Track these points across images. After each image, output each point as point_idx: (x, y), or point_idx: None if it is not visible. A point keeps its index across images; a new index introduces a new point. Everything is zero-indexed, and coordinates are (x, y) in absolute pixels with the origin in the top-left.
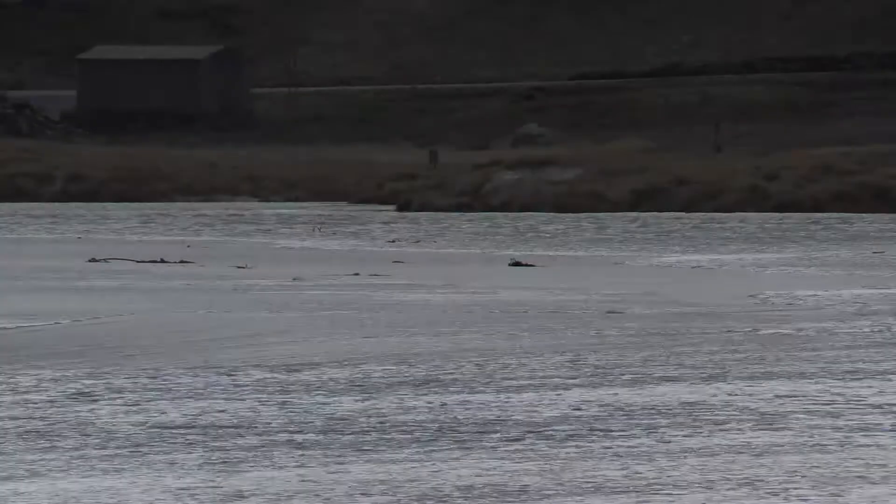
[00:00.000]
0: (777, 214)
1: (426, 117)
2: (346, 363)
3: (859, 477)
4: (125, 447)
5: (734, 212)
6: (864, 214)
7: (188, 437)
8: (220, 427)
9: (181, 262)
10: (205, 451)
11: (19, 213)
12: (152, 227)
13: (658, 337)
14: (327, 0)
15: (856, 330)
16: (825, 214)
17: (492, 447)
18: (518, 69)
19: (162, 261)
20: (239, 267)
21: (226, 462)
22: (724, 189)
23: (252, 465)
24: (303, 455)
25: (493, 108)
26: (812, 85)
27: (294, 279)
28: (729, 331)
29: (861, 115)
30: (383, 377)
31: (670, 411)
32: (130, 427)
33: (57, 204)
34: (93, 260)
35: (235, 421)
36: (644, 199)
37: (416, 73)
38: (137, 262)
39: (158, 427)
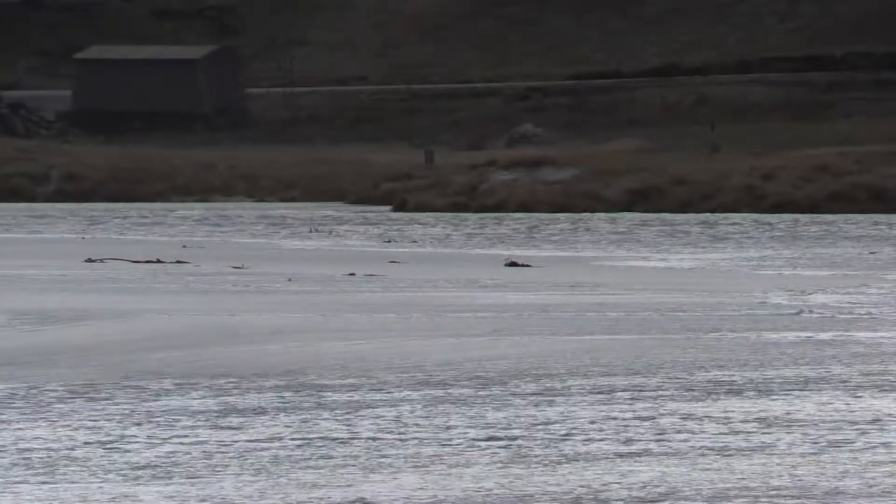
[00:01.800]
0: (773, 215)
1: (422, 117)
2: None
3: None
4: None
5: (731, 212)
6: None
7: None
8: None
9: (177, 262)
10: None
11: (13, 212)
12: (148, 227)
13: None
14: (324, 0)
15: None
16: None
17: None
18: (514, 69)
19: (158, 261)
20: (235, 267)
21: None
22: (721, 189)
23: None
24: None
25: (490, 109)
26: (809, 85)
27: (289, 279)
28: None
29: (858, 115)
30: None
31: None
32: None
33: (52, 204)
34: (89, 260)
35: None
36: (640, 200)
37: (412, 74)
38: (134, 262)
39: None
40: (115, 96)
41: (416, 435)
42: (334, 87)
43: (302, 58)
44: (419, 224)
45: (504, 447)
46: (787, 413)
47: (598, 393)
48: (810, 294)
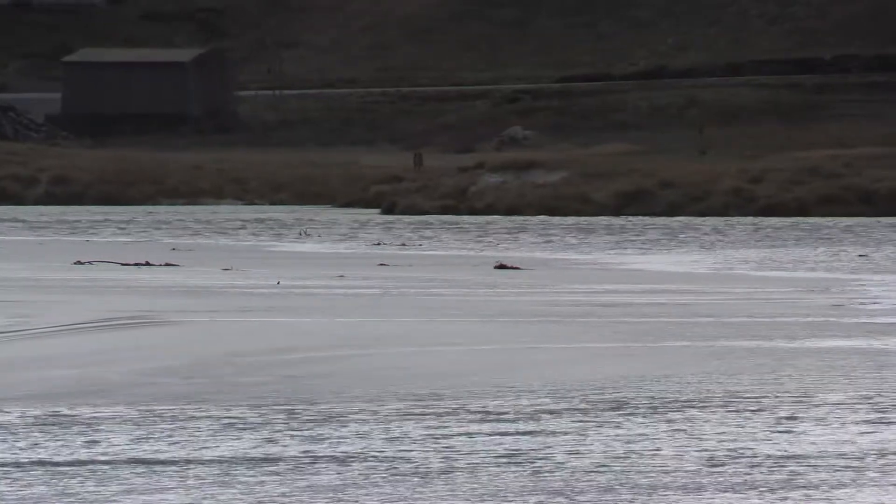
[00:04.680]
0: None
1: (411, 120)
2: None
3: None
4: None
5: (719, 215)
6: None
7: None
8: None
9: (166, 264)
10: None
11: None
12: (137, 230)
13: None
14: (313, 3)
15: None
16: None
17: None
18: (503, 72)
19: (147, 263)
20: (224, 269)
21: None
22: (710, 192)
23: None
24: None
25: (479, 111)
26: (799, 87)
27: (278, 282)
28: None
29: (848, 117)
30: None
31: None
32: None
33: (41, 207)
34: (78, 263)
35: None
36: (629, 202)
37: (401, 76)
38: (122, 264)
39: None
40: (104, 99)
41: None
42: (323, 90)
43: (291, 60)
44: (408, 227)
45: None
46: None
47: None
48: None
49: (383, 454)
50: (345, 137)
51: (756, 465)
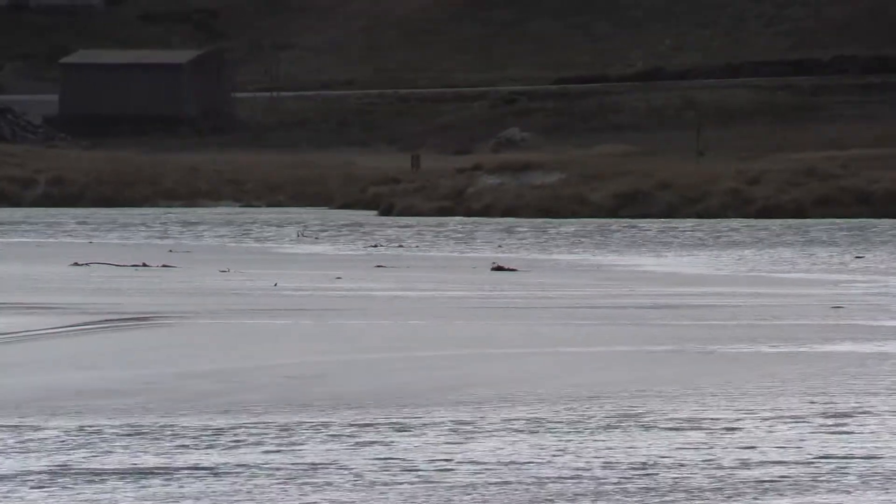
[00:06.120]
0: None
1: (409, 121)
2: None
3: None
4: None
5: (716, 217)
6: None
7: None
8: None
9: (164, 266)
10: None
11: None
12: (134, 231)
13: None
14: (310, 4)
15: None
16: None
17: None
18: (501, 73)
19: (144, 265)
20: (222, 271)
21: None
22: (707, 193)
23: None
24: None
25: (476, 113)
26: (795, 89)
27: (275, 283)
28: None
29: (844, 118)
30: None
31: None
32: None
33: (39, 209)
34: (75, 264)
35: None
36: (626, 204)
37: (398, 78)
38: (119, 266)
39: None
40: (101, 101)
41: None
42: (321, 91)
43: (288, 62)
44: (405, 228)
45: None
46: None
47: None
48: None
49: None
50: (342, 139)
51: None
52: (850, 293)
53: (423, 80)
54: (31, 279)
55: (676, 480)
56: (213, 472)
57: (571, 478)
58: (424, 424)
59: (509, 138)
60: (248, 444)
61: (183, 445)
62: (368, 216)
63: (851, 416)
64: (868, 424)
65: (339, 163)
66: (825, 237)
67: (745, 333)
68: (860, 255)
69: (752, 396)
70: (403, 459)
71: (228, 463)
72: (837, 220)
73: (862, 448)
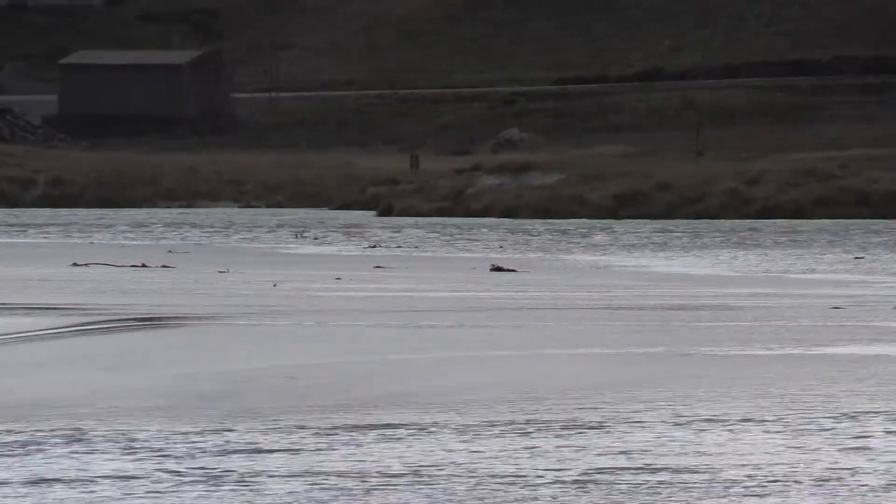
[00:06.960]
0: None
1: (408, 122)
2: None
3: None
4: None
5: (716, 217)
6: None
7: None
8: None
9: (163, 266)
10: None
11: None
12: (134, 232)
13: None
14: (310, 4)
15: None
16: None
17: None
18: (499, 74)
19: (143, 265)
20: (220, 272)
21: None
22: (706, 194)
23: None
24: None
25: (475, 113)
26: (794, 89)
27: (274, 284)
28: None
29: (844, 119)
30: None
31: None
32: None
33: (38, 209)
34: (75, 265)
35: None
36: (626, 204)
37: (397, 78)
38: (119, 266)
39: None
40: (101, 101)
41: None
42: (320, 92)
43: (287, 62)
44: (404, 229)
45: None
46: None
47: None
48: None
49: None
50: (341, 139)
51: None
52: (849, 293)
53: (423, 80)
54: (31, 279)
55: (667, 481)
56: (214, 474)
57: (572, 483)
58: (435, 423)
59: (509, 139)
60: (249, 447)
61: (183, 448)
62: (368, 217)
63: (854, 419)
64: (868, 425)
65: (338, 163)
66: (825, 238)
67: (744, 334)
68: (860, 256)
69: (740, 398)
70: (410, 463)
71: (230, 466)
72: (837, 221)
73: (862, 454)
